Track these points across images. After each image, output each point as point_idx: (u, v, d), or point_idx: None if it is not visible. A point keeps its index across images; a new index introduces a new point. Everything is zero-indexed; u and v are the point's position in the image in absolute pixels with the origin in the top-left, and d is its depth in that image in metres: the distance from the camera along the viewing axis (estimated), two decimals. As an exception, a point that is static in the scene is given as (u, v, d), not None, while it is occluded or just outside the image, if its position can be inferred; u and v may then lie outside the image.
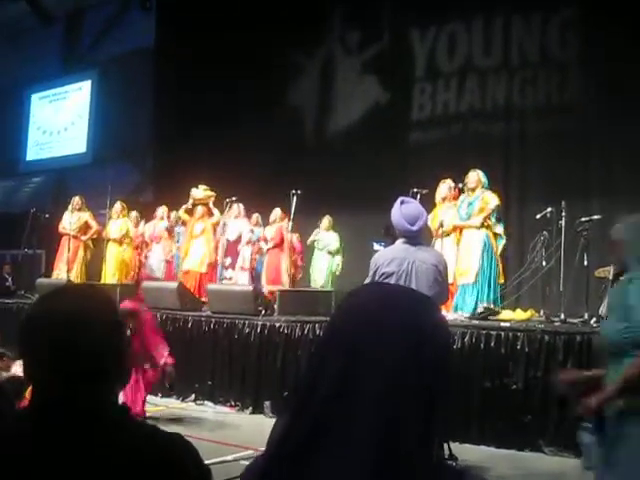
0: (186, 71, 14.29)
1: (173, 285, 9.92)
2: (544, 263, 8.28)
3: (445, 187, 9.17)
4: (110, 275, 11.69)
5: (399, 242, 5.21)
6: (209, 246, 11.70)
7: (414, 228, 5.06)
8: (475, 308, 8.14)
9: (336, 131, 13.15)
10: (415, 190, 8.60)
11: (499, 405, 6.67)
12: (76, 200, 12.44)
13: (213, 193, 11.77)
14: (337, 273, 11.46)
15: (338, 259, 11.43)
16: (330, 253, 11.37)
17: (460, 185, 8.97)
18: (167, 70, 14.80)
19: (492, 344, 6.84)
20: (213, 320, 8.90)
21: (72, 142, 17.32)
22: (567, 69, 10.57)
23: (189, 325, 9.07)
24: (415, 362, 1.08)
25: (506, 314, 8.17)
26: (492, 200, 8.58)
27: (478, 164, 9.07)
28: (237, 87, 13.34)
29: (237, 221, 11.53)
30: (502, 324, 7.28)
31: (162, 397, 8.90)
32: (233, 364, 8.61)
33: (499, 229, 8.68)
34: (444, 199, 9.14)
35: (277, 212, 11.17)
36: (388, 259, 5.09)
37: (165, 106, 14.80)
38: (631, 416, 2.79)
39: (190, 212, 11.93)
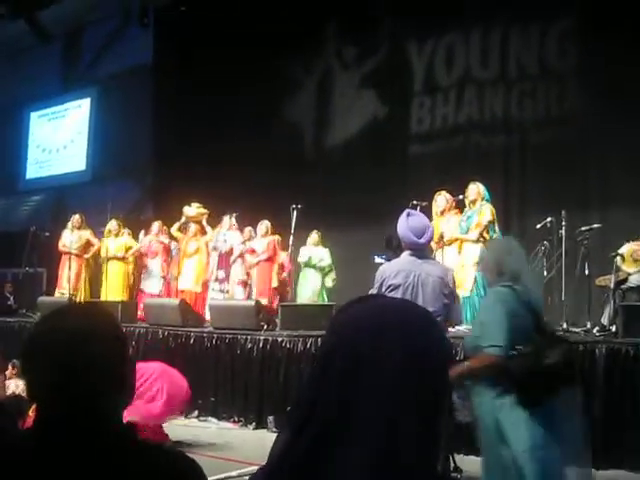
0: (185, 87, 14.35)
1: (175, 302, 9.92)
2: (545, 273, 8.29)
3: (442, 200, 9.19)
4: (111, 293, 11.67)
5: (405, 254, 5.20)
6: (202, 265, 11.63)
7: (421, 241, 5.05)
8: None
9: (334, 146, 13.17)
10: (415, 202, 8.60)
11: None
12: (76, 218, 12.42)
13: (206, 211, 11.69)
14: (331, 288, 11.18)
15: (332, 275, 11.16)
16: (321, 269, 11.08)
17: (459, 197, 9.00)
18: (166, 86, 14.84)
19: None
20: (215, 336, 8.90)
21: (72, 160, 17.32)
22: (565, 80, 10.60)
23: (191, 341, 9.07)
24: (416, 370, 1.10)
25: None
26: (487, 214, 8.61)
27: (478, 176, 9.10)
28: (235, 102, 13.38)
29: (229, 233, 11.43)
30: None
31: (165, 414, 8.89)
32: (236, 379, 8.60)
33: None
34: (443, 212, 9.15)
35: (266, 224, 11.02)
36: (394, 271, 5.08)
37: (164, 122, 14.83)
38: (475, 389, 3.84)
39: (183, 230, 11.86)
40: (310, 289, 10.99)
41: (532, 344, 3.64)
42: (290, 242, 10.18)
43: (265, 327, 8.76)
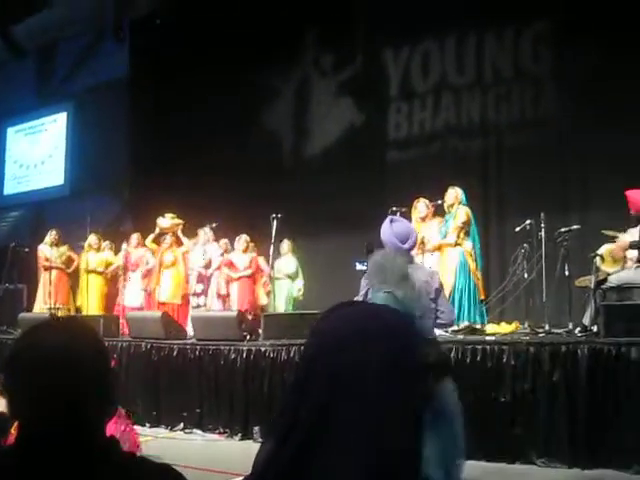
0: (161, 100, 14.35)
1: (157, 314, 9.88)
2: (526, 275, 8.34)
3: (422, 206, 9.21)
4: (92, 307, 11.61)
5: None
6: (181, 276, 11.56)
7: (405, 246, 5.06)
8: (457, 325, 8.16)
9: (313, 153, 13.19)
10: (394, 209, 8.63)
11: (488, 419, 6.66)
12: (53, 234, 12.37)
13: (180, 221, 11.65)
14: (297, 297, 11.22)
15: (297, 283, 11.20)
16: (290, 278, 11.13)
17: (438, 202, 9.03)
18: (142, 100, 14.82)
19: (478, 358, 6.86)
20: (198, 347, 8.86)
21: (49, 175, 17.23)
22: (541, 83, 10.69)
23: (174, 354, 9.02)
24: (398, 374, 1.10)
25: (491, 328, 8.20)
26: (461, 216, 8.66)
27: (456, 181, 9.14)
28: (212, 113, 13.39)
29: (206, 247, 11.38)
30: (487, 338, 7.31)
31: (150, 427, 8.85)
32: (220, 391, 8.57)
33: (467, 245, 8.70)
34: (423, 218, 9.18)
35: (245, 238, 11.00)
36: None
37: (141, 135, 14.81)
38: None
39: (158, 241, 11.78)
40: (283, 299, 11.04)
41: None
42: (271, 252, 10.14)
43: (248, 337, 8.74)
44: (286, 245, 11.16)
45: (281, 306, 10.94)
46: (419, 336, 1.20)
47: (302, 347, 7.76)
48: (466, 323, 8.24)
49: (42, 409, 1.40)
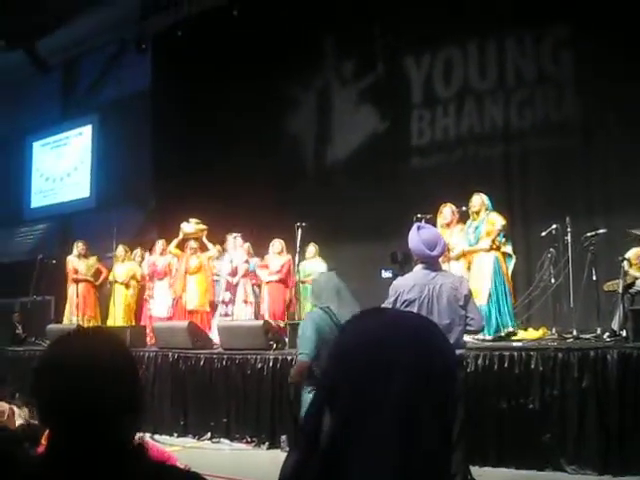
0: (184, 110, 14.40)
1: (183, 324, 9.91)
2: (553, 280, 8.27)
3: (448, 211, 9.16)
4: (119, 318, 11.67)
5: (418, 268, 5.21)
6: (207, 282, 11.53)
7: (434, 253, 5.06)
8: (490, 331, 8.11)
9: (335, 162, 13.18)
10: (419, 216, 8.59)
11: (517, 426, 6.62)
12: (80, 245, 12.42)
13: (205, 227, 11.62)
14: None
15: None
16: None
17: (462, 208, 8.99)
18: (165, 110, 14.89)
19: (506, 365, 6.82)
20: (225, 357, 8.88)
21: (75, 187, 17.40)
22: (563, 86, 10.61)
23: (201, 363, 9.06)
24: (425, 375, 1.09)
25: (518, 334, 8.15)
26: (498, 221, 8.60)
27: (480, 187, 9.09)
28: (236, 122, 13.44)
29: (233, 253, 11.29)
30: (515, 344, 7.26)
31: (178, 437, 8.89)
32: (247, 400, 8.58)
33: (508, 249, 8.70)
34: (448, 224, 9.14)
35: (280, 242, 10.91)
36: (409, 286, 5.09)
37: (165, 146, 14.88)
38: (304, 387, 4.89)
39: (181, 247, 11.74)
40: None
41: None
42: (296, 260, 10.15)
43: (274, 346, 8.74)
44: (313, 249, 11.04)
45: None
46: (446, 340, 1.19)
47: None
48: (510, 329, 8.21)
49: (70, 418, 1.41)
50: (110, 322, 11.56)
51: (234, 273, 11.17)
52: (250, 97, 13.23)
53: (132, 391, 1.49)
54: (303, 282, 10.75)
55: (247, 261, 11.18)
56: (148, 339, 10.63)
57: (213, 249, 11.63)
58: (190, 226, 11.59)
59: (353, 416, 1.08)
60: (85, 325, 11.38)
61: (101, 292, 12.55)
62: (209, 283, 11.57)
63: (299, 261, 10.23)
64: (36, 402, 1.47)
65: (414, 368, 1.09)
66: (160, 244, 12.04)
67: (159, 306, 11.73)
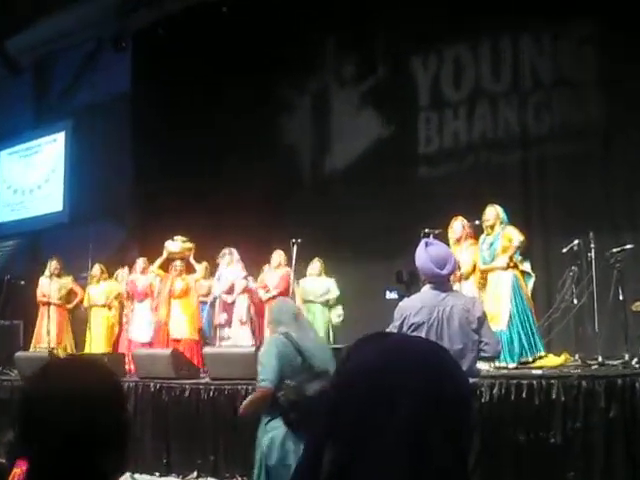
0: (167, 115, 14.38)
1: (166, 352, 9.88)
2: (575, 301, 8.27)
3: (458, 226, 9.18)
4: (96, 344, 11.62)
5: (427, 288, 5.20)
6: (193, 308, 11.48)
7: (444, 272, 5.04)
8: (514, 358, 8.11)
9: (334, 170, 13.19)
10: (427, 231, 8.59)
11: (536, 461, 6.60)
12: (53, 264, 12.40)
13: (191, 245, 11.52)
14: (338, 325, 10.94)
15: (338, 309, 10.94)
16: (325, 303, 10.89)
17: (475, 222, 9.00)
18: (147, 115, 14.90)
19: (524, 395, 6.81)
20: (213, 387, 8.85)
21: (47, 200, 17.32)
22: (584, 88, 10.63)
23: (186, 394, 9.02)
24: (436, 402, 1.11)
25: (538, 360, 8.15)
26: (515, 236, 8.61)
27: (494, 198, 9.11)
28: (223, 128, 13.45)
29: (229, 270, 11.13)
30: (534, 372, 7.25)
31: (160, 476, 8.85)
32: (238, 435, 8.51)
33: (527, 266, 8.69)
34: (459, 240, 9.15)
35: (280, 255, 10.85)
36: (417, 308, 5.07)
37: (147, 155, 14.87)
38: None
39: (165, 267, 11.65)
40: (318, 327, 10.59)
41: (297, 379, 4.94)
42: (291, 279, 10.15)
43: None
44: (318, 265, 10.91)
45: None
46: (457, 365, 1.20)
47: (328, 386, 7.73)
48: (542, 353, 8.23)
49: (54, 451, 1.42)
50: (87, 349, 11.51)
51: (230, 290, 11.03)
52: (241, 100, 13.25)
53: (122, 428, 1.51)
54: (311, 302, 10.75)
55: (246, 277, 11.05)
56: (127, 367, 10.58)
57: (200, 270, 11.56)
58: (175, 244, 11.48)
59: (355, 441, 1.09)
60: (57, 353, 11.36)
61: (75, 316, 12.52)
62: (195, 308, 11.52)
63: (294, 280, 10.22)
64: (18, 433, 1.48)
65: (422, 393, 1.11)
66: (141, 262, 11.99)
67: (138, 330, 11.65)
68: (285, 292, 10.60)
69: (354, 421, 1.11)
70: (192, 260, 11.58)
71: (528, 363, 8.10)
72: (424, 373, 1.12)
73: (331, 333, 10.90)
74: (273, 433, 5.00)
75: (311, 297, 10.85)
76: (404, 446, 1.07)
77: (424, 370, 1.13)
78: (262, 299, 10.97)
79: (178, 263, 11.52)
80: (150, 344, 11.34)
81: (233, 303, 11.02)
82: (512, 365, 8.01)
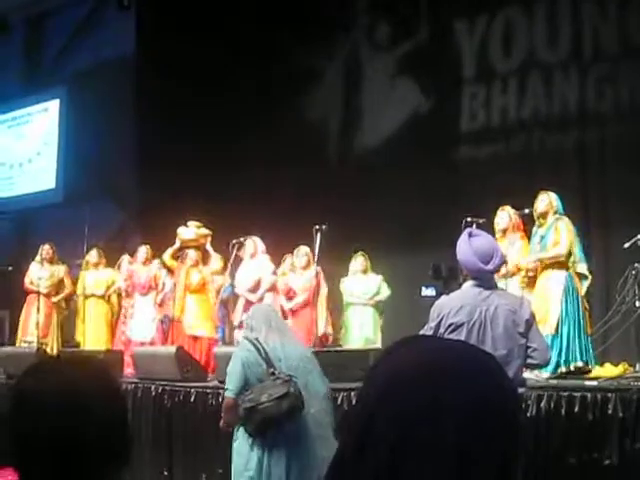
0: (175, 83, 14.35)
1: (170, 350, 9.90)
2: (637, 304, 8.23)
3: (505, 216, 9.13)
4: (91, 340, 11.67)
5: (468, 285, 5.20)
6: (211, 302, 11.38)
7: (489, 267, 5.03)
8: (558, 366, 8.09)
9: (364, 149, 13.18)
10: (469, 219, 8.58)
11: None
12: (46, 249, 12.47)
13: (208, 232, 11.45)
14: (383, 328, 10.65)
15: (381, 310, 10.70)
16: (376, 305, 10.62)
17: (525, 211, 8.96)
18: (152, 82, 14.88)
19: (576, 409, 6.78)
20: (221, 392, 8.86)
21: (38, 176, 17.36)
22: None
23: (192, 399, 9.05)
24: (482, 417, 1.11)
25: (593, 370, 8.12)
26: (566, 229, 8.54)
27: (547, 184, 9.07)
28: (238, 99, 13.44)
29: (253, 262, 10.91)
30: (588, 383, 7.23)
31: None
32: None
33: (582, 267, 8.60)
34: (505, 231, 9.12)
35: (307, 253, 10.57)
36: (456, 307, 5.07)
37: (152, 128, 14.84)
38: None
39: (178, 257, 11.48)
40: (359, 329, 10.53)
41: (259, 386, 5.45)
42: (321, 275, 10.09)
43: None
44: (361, 261, 10.71)
45: (357, 339, 10.42)
46: (504, 373, 1.21)
47: (353, 393, 7.75)
48: (579, 364, 8.18)
49: (55, 461, 1.45)
50: (81, 345, 11.55)
51: (256, 288, 10.84)
52: (260, 67, 13.26)
53: (122, 431, 1.53)
54: (352, 304, 10.58)
55: (275, 272, 10.85)
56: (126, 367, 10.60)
57: (217, 261, 11.50)
58: (190, 231, 11.41)
59: (394, 456, 1.10)
60: (45, 348, 11.43)
61: (68, 307, 12.58)
62: (213, 304, 11.39)
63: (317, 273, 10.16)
64: (15, 445, 1.51)
65: (467, 408, 1.11)
66: (143, 251, 12.00)
67: (140, 328, 11.66)
68: (312, 297, 10.40)
69: (393, 435, 1.11)
70: (209, 248, 11.51)
71: (574, 374, 8.07)
72: (467, 385, 1.13)
73: (379, 336, 10.61)
74: (237, 442, 5.70)
75: (355, 299, 10.63)
76: (448, 464, 1.08)
77: (467, 381, 1.13)
78: (285, 308, 10.56)
79: (192, 253, 11.40)
80: (151, 343, 11.36)
81: (261, 299, 10.64)
82: (545, 375, 7.96)
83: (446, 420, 1.10)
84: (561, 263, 8.48)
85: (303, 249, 10.65)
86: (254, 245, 10.92)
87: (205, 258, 11.53)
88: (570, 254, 8.47)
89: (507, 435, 1.14)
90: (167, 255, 11.53)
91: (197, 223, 11.47)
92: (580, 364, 8.17)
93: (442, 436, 1.09)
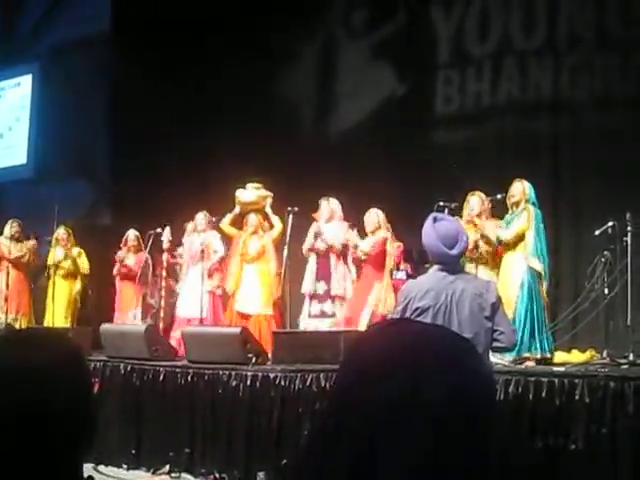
0: (152, 59, 14.26)
1: (140, 328, 9.88)
2: (606, 291, 8.28)
3: (475, 201, 9.15)
4: (59, 316, 11.63)
5: (434, 270, 5.23)
6: (271, 275, 10.66)
7: (453, 252, 5.07)
8: (518, 351, 8.13)
9: (339, 133, 13.17)
10: (441, 204, 8.61)
11: (555, 470, 6.62)
12: (15, 226, 12.47)
13: (269, 193, 10.82)
14: None
15: None
16: None
17: (497, 197, 8.99)
18: (128, 59, 14.76)
19: (543, 394, 6.81)
20: (191, 372, 8.85)
21: (9, 152, 17.31)
22: (630, 49, 10.58)
23: (161, 378, 9.03)
24: (460, 418, 1.10)
25: (560, 356, 8.17)
26: (525, 219, 8.56)
27: (518, 169, 9.12)
28: (215, 80, 13.39)
29: (329, 226, 10.33)
30: (555, 369, 7.28)
31: (128, 469, 8.89)
32: (217, 426, 8.56)
33: (533, 262, 8.58)
34: (478, 216, 9.14)
35: (377, 214, 10.02)
36: (422, 291, 5.10)
37: (127, 105, 14.75)
38: None
39: (237, 223, 10.93)
40: None
41: None
42: (284, 252, 10.09)
43: (254, 360, 8.72)
44: None
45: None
46: (484, 361, 1.20)
47: (322, 375, 7.76)
48: (526, 354, 8.21)
49: (13, 445, 1.41)
50: (47, 322, 11.52)
51: (326, 254, 10.21)
52: (236, 49, 13.18)
53: (86, 412, 1.50)
54: None
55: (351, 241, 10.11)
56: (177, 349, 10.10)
57: (279, 226, 10.60)
58: (249, 193, 10.81)
59: (365, 455, 1.09)
60: (15, 325, 11.38)
61: (36, 283, 12.55)
62: (274, 275, 10.58)
63: (287, 257, 10.03)
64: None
65: (444, 381, 1.10)
66: (202, 217, 11.13)
67: (188, 304, 10.98)
68: (381, 261, 9.86)
69: (371, 423, 1.10)
70: (269, 211, 10.82)
71: (528, 360, 8.11)
72: (445, 371, 1.12)
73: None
74: None
75: None
76: (425, 448, 1.07)
77: (445, 368, 1.12)
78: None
79: (253, 217, 10.83)
80: (201, 321, 10.57)
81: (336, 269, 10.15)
82: (510, 359, 8.01)
83: (423, 408, 1.09)
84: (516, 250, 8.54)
85: (374, 211, 10.15)
86: (329, 208, 10.43)
87: (266, 222, 10.90)
88: (519, 241, 8.52)
89: (485, 420, 1.13)
90: (225, 221, 10.96)
91: (256, 184, 10.88)
92: (528, 355, 8.23)
93: (419, 425, 1.08)
